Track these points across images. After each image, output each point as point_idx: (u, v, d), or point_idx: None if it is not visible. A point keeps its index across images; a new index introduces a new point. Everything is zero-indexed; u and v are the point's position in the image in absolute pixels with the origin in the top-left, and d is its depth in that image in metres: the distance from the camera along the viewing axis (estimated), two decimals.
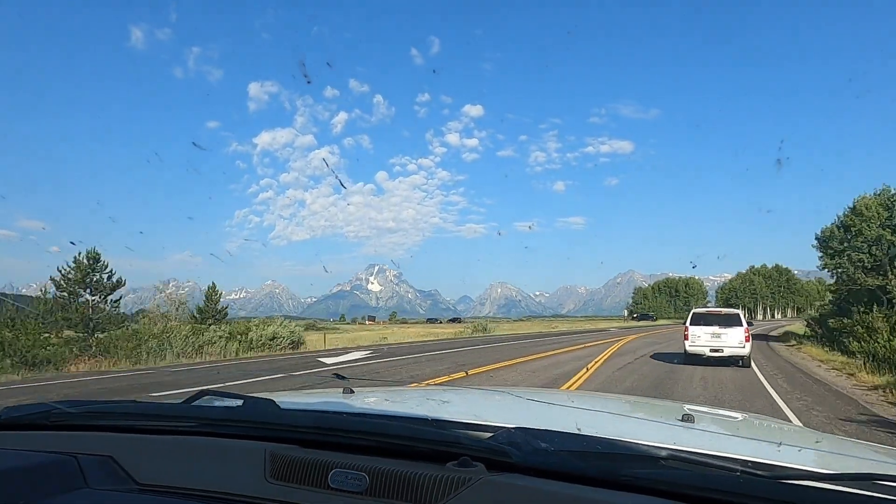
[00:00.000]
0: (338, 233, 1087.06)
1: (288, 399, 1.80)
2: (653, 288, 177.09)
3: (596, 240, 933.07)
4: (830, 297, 30.63)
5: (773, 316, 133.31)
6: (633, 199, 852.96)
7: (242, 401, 1.37)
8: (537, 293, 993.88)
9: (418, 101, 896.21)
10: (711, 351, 15.46)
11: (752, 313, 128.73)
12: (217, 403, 1.50)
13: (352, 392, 1.98)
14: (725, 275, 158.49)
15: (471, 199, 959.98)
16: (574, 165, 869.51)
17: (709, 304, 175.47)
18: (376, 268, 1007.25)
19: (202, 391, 1.47)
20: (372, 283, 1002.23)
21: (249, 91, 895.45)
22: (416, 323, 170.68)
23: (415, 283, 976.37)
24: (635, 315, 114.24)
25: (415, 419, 1.37)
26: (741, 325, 15.54)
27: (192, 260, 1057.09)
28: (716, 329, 15.51)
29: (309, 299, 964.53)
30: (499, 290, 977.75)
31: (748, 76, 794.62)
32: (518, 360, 17.84)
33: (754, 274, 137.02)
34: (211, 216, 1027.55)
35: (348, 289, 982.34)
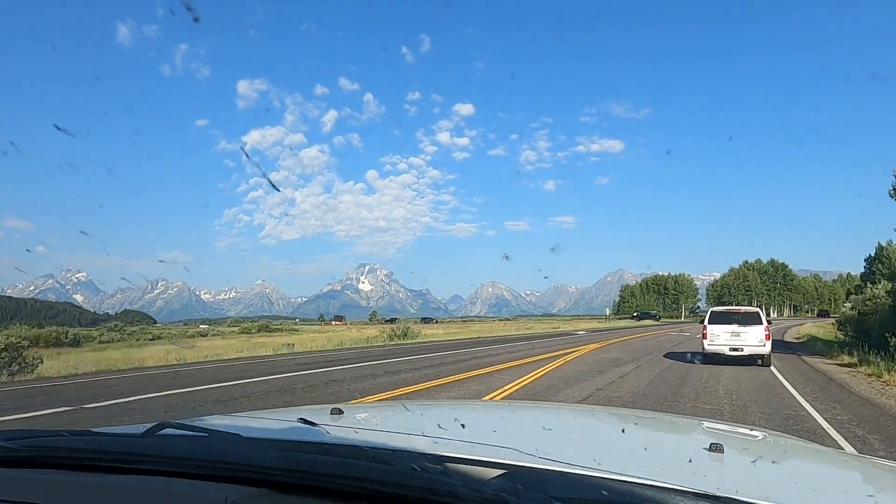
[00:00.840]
0: (328, 232, 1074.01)
1: (263, 424, 1.60)
2: (640, 286, 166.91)
3: (587, 239, 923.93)
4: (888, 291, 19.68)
5: (768, 314, 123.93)
6: (624, 199, 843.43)
7: (207, 433, 1.22)
8: (528, 292, 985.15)
9: (409, 100, 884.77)
10: (731, 350, 15.03)
11: None
12: (178, 434, 1.30)
13: (340, 413, 1.82)
14: (715, 274, 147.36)
15: (462, 198, 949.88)
16: (565, 165, 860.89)
17: (700, 302, 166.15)
18: (367, 267, 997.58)
19: (161, 423, 1.30)
20: (363, 282, 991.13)
21: (238, 89, 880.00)
22: (383, 323, 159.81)
23: (406, 282, 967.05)
24: (635, 314, 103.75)
25: (406, 454, 1.15)
26: (761, 324, 15.12)
27: (182, 259, 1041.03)
28: (735, 328, 15.10)
29: (300, 299, 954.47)
30: (490, 290, 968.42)
31: (739, 71, 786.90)
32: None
33: (748, 269, 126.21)
34: (200, 215, 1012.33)
35: (339, 288, 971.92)
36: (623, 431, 1.76)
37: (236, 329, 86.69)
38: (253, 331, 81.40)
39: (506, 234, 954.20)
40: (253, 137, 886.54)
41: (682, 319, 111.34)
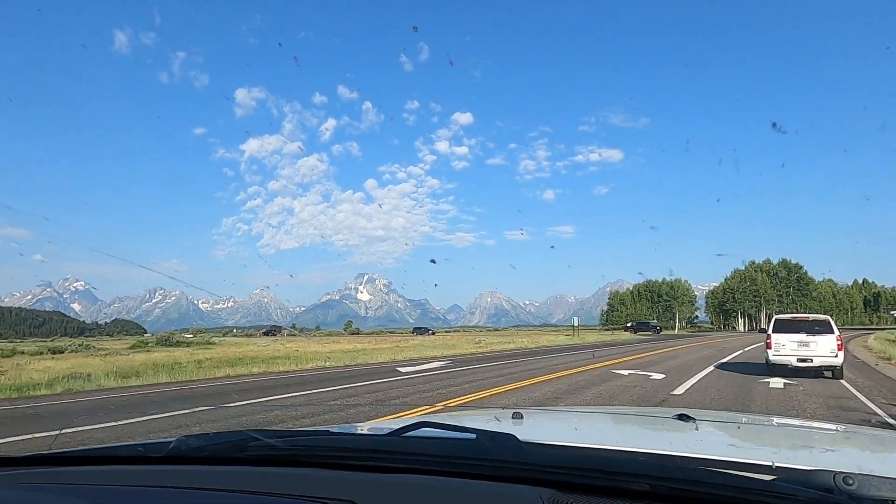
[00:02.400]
0: (327, 241, 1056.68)
1: (476, 424, 1.51)
2: (632, 293, 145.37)
3: (586, 248, 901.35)
4: None
5: None
6: (623, 208, 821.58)
7: (475, 433, 1.17)
8: (527, 302, 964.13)
9: (407, 109, 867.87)
10: (798, 360, 13.99)
11: (753, 320, 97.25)
12: (436, 435, 1.28)
13: (521, 417, 1.79)
14: (714, 284, 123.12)
15: (461, 207, 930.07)
16: (564, 174, 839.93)
17: (698, 311, 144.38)
18: (366, 277, 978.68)
19: (420, 422, 1.28)
20: (361, 292, 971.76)
21: (237, 97, 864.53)
22: (358, 335, 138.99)
23: (404, 292, 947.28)
24: (629, 325, 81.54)
25: (669, 457, 1.13)
26: (832, 332, 14.07)
27: (180, 268, 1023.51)
28: (803, 336, 14.10)
29: (298, 308, 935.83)
30: (489, 300, 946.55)
31: (737, 81, 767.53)
32: None
33: (756, 270, 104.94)
34: (198, 224, 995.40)
35: (338, 298, 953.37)
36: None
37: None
38: (150, 344, 61.61)
39: (505, 243, 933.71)
40: (251, 146, 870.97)
41: (677, 331, 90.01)
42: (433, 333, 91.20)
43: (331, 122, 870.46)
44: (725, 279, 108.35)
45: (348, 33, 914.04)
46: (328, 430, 1.44)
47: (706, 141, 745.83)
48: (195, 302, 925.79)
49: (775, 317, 15.50)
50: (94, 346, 59.69)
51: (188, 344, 63.13)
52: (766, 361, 14.40)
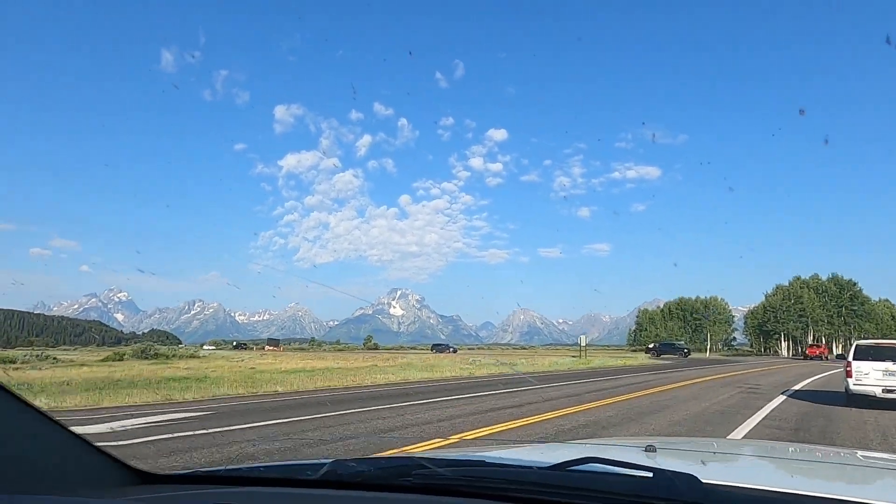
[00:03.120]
0: (361, 256, 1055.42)
1: (616, 455, 1.48)
2: (662, 312, 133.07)
3: (622, 267, 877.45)
4: None
5: (829, 348, 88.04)
6: (660, 226, 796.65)
7: (651, 473, 1.13)
8: (560, 320, 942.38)
9: (442, 125, 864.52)
10: (885, 391, 12.47)
11: (798, 343, 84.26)
12: (605, 471, 1.22)
13: (654, 450, 1.72)
14: (754, 305, 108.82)
15: (494, 224, 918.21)
16: (599, 191, 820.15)
17: (735, 332, 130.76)
18: (399, 292, 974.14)
19: (587, 457, 1.23)
20: (394, 307, 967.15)
21: (275, 114, 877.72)
22: (344, 350, 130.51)
23: (437, 308, 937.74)
24: (651, 346, 70.44)
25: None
26: None
27: (219, 281, 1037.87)
28: (889, 365, 12.65)
29: (332, 322, 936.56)
30: (521, 317, 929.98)
31: (778, 94, 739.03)
32: None
33: (802, 287, 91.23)
34: (236, 237, 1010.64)
35: (370, 312, 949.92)
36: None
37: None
38: (126, 356, 54.70)
39: (539, 260, 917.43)
40: (289, 161, 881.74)
41: (708, 355, 78.21)
42: (454, 351, 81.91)
43: (366, 139, 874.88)
44: (766, 296, 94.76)
45: (384, 51, 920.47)
46: (483, 460, 1.37)
47: (751, 155, 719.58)
48: (232, 314, 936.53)
49: (856, 343, 14.27)
50: (55, 357, 53.09)
51: (168, 357, 56.38)
52: (846, 390, 13.23)
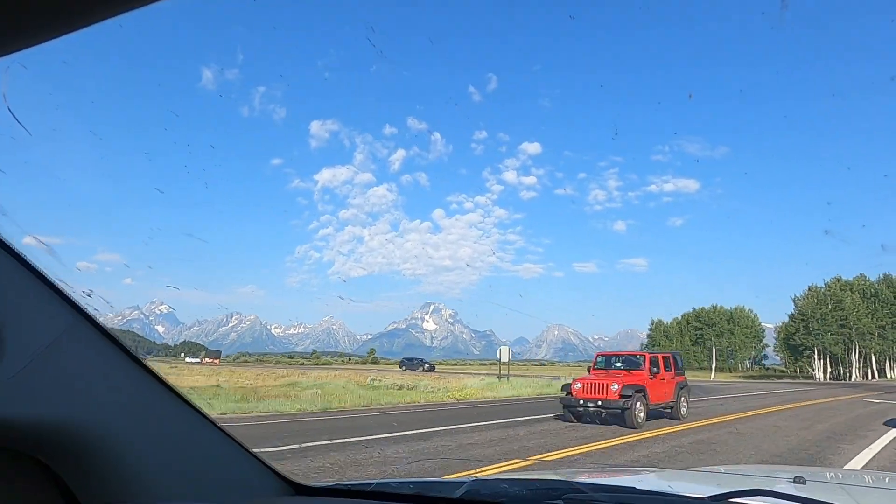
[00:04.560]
0: (394, 270, 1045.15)
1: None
2: (678, 323, 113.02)
3: (659, 282, 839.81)
4: None
5: (881, 370, 66.63)
6: (699, 240, 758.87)
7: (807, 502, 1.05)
8: (596, 336, 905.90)
9: (475, 139, 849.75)
10: None
11: (840, 363, 63.33)
12: None
13: (804, 482, 1.61)
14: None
15: (528, 238, 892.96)
16: (636, 204, 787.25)
17: (767, 349, 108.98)
18: (432, 307, 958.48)
19: (753, 489, 1.14)
20: (427, 321, 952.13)
21: (311, 129, 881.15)
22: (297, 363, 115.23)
23: (470, 322, 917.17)
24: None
25: None
26: None
27: (256, 293, 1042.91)
28: None
29: (365, 336, 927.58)
30: (556, 333, 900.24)
31: (818, 107, 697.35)
32: None
33: (844, 289, 68.94)
34: (273, 251, 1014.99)
35: (403, 327, 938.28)
36: None
37: None
38: None
39: (574, 275, 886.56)
40: (324, 176, 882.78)
41: (713, 376, 58.53)
42: (431, 369, 64.45)
43: (400, 153, 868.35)
44: (794, 301, 70.20)
45: (417, 67, 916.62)
46: (634, 487, 1.30)
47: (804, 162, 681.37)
48: (268, 327, 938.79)
49: None
50: None
51: None
52: None
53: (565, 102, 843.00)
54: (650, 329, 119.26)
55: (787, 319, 65.03)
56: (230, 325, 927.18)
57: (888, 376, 65.70)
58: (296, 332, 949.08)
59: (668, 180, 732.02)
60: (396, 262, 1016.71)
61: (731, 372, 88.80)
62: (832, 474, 2.68)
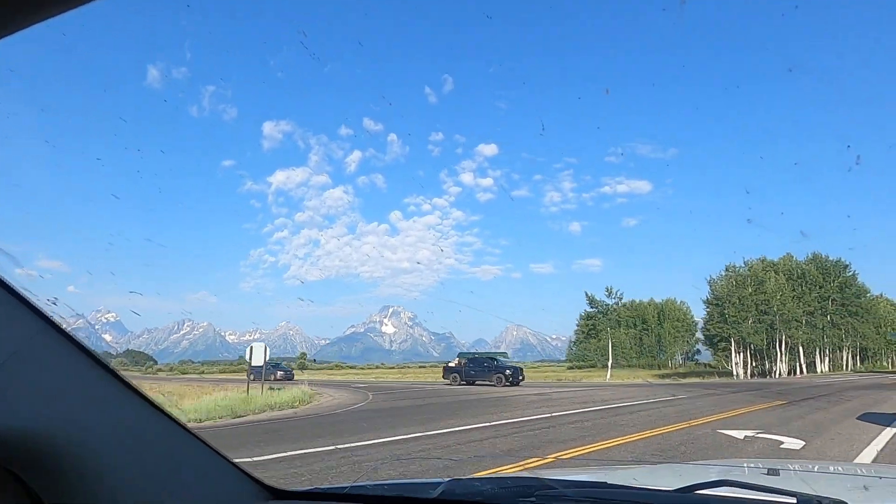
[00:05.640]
0: (352, 273, 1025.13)
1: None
2: (609, 318, 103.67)
3: (614, 282, 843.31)
4: None
5: (810, 363, 57.22)
6: (652, 241, 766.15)
7: (795, 498, 1.04)
8: (554, 336, 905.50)
9: (432, 140, 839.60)
10: None
11: (762, 355, 52.44)
12: (740, 495, 1.15)
13: (778, 473, 1.61)
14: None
15: (486, 239, 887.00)
16: (590, 206, 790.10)
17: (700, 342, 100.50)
18: (391, 309, 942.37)
19: (719, 481, 1.15)
20: (386, 324, 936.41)
21: (264, 129, 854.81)
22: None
23: (429, 325, 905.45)
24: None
25: None
26: None
27: (208, 300, 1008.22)
28: None
29: (323, 341, 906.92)
30: (514, 333, 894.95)
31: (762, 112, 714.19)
32: None
33: (767, 270, 56.33)
34: (226, 256, 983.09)
35: (362, 330, 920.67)
36: None
37: None
38: None
39: (531, 276, 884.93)
40: (278, 178, 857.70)
41: (609, 377, 46.26)
42: (289, 377, 39.93)
43: (356, 154, 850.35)
44: (710, 283, 56.01)
45: (372, 67, 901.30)
46: (606, 482, 1.30)
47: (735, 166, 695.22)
48: (222, 334, 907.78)
49: None
50: None
51: None
52: None
53: (520, 104, 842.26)
54: (577, 325, 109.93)
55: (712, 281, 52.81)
56: (181, 332, 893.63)
57: (818, 370, 56.77)
58: (251, 337, 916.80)
59: (622, 181, 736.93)
60: (354, 265, 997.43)
61: (659, 369, 79.75)
62: (811, 466, 2.64)
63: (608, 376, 45.16)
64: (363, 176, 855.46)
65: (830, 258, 58.02)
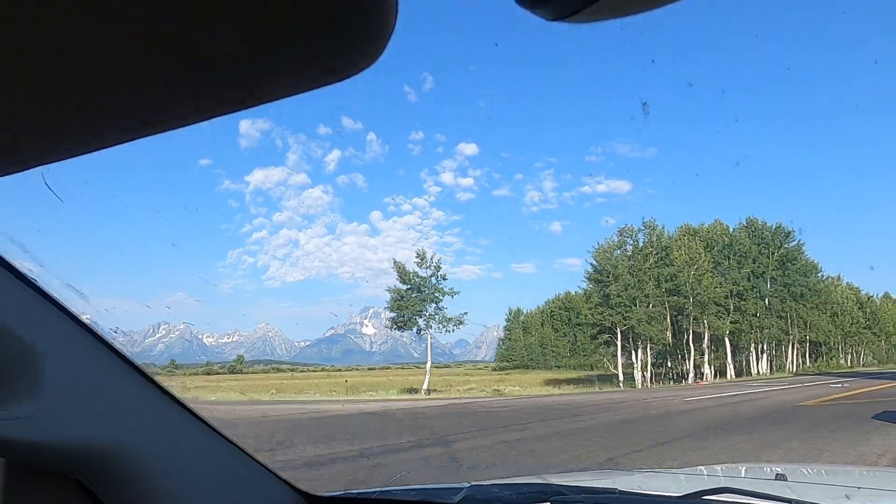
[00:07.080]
0: (332, 273, 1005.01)
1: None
2: (541, 312, 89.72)
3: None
4: None
5: (745, 365, 42.71)
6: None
7: None
8: None
9: (412, 139, 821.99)
10: None
11: (677, 356, 38.51)
12: (739, 501, 1.15)
13: (785, 479, 1.62)
14: None
15: (466, 239, 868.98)
16: (571, 205, 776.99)
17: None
18: (371, 310, 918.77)
19: (721, 487, 1.17)
20: (366, 326, 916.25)
21: (240, 128, 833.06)
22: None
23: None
24: None
25: None
26: None
27: (185, 301, 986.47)
28: None
29: (302, 343, 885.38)
30: (495, 333, 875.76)
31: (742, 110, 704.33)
32: None
33: (691, 236, 40.22)
34: (204, 256, 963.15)
35: (342, 332, 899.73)
36: None
37: None
38: None
39: (513, 276, 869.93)
40: (256, 177, 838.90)
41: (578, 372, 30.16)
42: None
43: (335, 154, 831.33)
44: (594, 253, 36.84)
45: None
46: (616, 488, 1.32)
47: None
48: (199, 336, 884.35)
49: None
50: None
51: None
52: None
53: (501, 102, 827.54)
54: (507, 321, 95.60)
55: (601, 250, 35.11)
56: (157, 335, 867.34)
57: (754, 371, 42.42)
58: (230, 340, 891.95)
59: (602, 181, 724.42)
60: (334, 265, 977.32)
61: (592, 369, 65.69)
62: (818, 472, 2.57)
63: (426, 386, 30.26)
64: (343, 175, 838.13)
65: (769, 224, 42.96)
